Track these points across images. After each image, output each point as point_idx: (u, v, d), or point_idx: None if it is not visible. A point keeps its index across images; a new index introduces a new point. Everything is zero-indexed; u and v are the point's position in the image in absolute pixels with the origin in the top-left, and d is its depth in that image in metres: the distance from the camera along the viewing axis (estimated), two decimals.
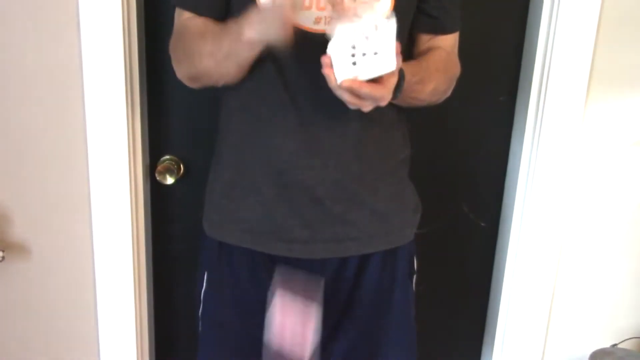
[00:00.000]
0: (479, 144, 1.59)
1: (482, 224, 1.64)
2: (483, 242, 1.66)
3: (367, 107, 0.92)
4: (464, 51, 1.21)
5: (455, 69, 1.17)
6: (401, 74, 0.95)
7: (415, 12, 1.12)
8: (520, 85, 1.54)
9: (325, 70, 0.88)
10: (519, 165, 1.53)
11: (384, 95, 0.90)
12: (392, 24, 0.87)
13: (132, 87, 1.38)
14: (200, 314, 1.24)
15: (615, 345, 1.61)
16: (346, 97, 0.90)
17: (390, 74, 0.89)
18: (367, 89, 0.88)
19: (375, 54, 0.87)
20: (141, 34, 1.40)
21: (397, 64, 0.89)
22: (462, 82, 1.19)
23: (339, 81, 0.87)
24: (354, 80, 0.87)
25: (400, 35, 0.91)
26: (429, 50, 1.15)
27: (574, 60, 1.42)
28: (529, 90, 1.47)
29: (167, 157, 1.50)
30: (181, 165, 1.50)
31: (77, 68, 1.33)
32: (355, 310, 1.18)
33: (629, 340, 1.63)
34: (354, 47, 0.87)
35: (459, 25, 1.18)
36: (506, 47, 1.53)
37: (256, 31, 0.94)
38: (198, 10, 1.08)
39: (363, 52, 0.87)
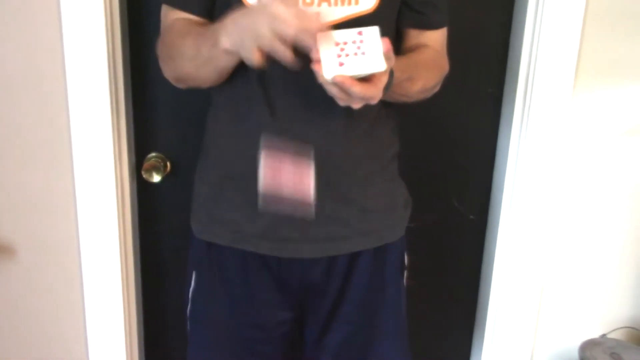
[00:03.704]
0: (466, 136, 1.59)
1: (471, 217, 1.64)
2: (472, 234, 1.66)
3: (356, 105, 0.91)
4: (451, 43, 1.20)
5: (444, 67, 1.17)
6: (390, 71, 0.94)
7: (401, 7, 1.11)
8: (508, 77, 1.53)
9: (314, 66, 0.87)
10: (507, 157, 1.53)
11: (375, 95, 0.89)
12: (376, 27, 0.87)
13: (116, 83, 1.36)
14: (188, 313, 1.23)
15: (605, 335, 1.61)
16: (336, 93, 0.89)
17: (382, 73, 0.88)
18: (357, 88, 0.87)
19: (362, 54, 0.86)
20: (124, 28, 1.38)
21: (389, 64, 0.88)
22: (449, 75, 1.18)
23: (327, 78, 0.86)
24: (345, 77, 0.86)
25: (387, 31, 0.90)
26: (417, 46, 1.14)
27: (561, 52, 1.42)
28: (516, 82, 1.47)
29: (154, 154, 1.49)
30: (168, 163, 1.49)
31: (59, 64, 1.32)
32: (347, 307, 1.18)
33: (618, 330, 1.64)
34: (341, 48, 0.86)
35: (446, 21, 1.17)
36: (493, 38, 1.52)
37: (231, 42, 0.91)
38: (183, 7, 1.06)
39: (350, 52, 0.86)
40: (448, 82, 1.18)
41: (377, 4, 1.02)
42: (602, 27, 1.42)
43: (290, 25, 0.84)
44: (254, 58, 0.88)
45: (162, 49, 1.08)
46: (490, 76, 1.54)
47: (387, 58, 0.87)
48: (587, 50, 1.43)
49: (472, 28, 1.49)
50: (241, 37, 0.89)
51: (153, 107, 1.47)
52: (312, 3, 1.00)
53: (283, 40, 0.85)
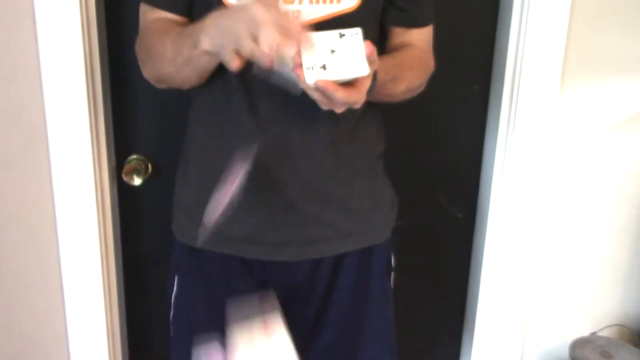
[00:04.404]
0: (453, 134, 1.57)
1: (459, 215, 1.63)
2: (460, 233, 1.65)
3: (339, 109, 0.89)
4: (436, 40, 1.18)
5: (430, 66, 1.15)
6: (373, 73, 0.92)
7: (385, 5, 1.09)
8: (494, 74, 1.52)
9: (296, 71, 0.85)
10: (494, 155, 1.52)
11: (358, 99, 0.88)
12: (358, 29, 0.86)
13: (93, 83, 1.34)
14: (171, 318, 1.21)
15: (595, 333, 1.61)
16: (318, 98, 0.87)
17: (365, 77, 0.87)
18: (340, 94, 0.85)
19: (345, 58, 0.84)
20: (102, 25, 1.36)
21: (372, 68, 0.87)
22: (435, 72, 1.17)
23: (308, 82, 0.84)
24: (327, 82, 0.84)
25: (370, 29, 0.89)
26: (402, 45, 1.12)
27: (548, 47, 1.40)
28: (503, 78, 1.46)
29: (134, 156, 1.46)
30: (149, 165, 1.47)
31: (34, 64, 1.29)
32: (333, 309, 1.17)
33: (608, 328, 1.64)
34: (322, 52, 0.84)
35: (432, 19, 1.15)
36: (478, 34, 1.51)
37: (211, 43, 0.89)
38: (162, 6, 1.04)
39: (332, 57, 0.84)
40: (434, 80, 1.16)
41: (359, 2, 1.00)
42: (589, 22, 1.41)
43: (269, 30, 0.81)
44: (231, 62, 0.86)
45: (140, 49, 1.06)
46: (477, 73, 1.53)
47: (370, 62, 0.86)
48: (574, 46, 1.42)
49: (457, 24, 1.48)
50: (220, 40, 0.87)
51: (133, 107, 1.44)
52: (292, 1, 0.98)
53: (262, 44, 0.82)
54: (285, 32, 0.82)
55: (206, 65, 0.97)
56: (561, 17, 1.38)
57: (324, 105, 0.89)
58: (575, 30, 1.41)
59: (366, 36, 0.86)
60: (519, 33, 1.41)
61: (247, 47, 0.83)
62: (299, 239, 1.09)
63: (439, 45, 1.19)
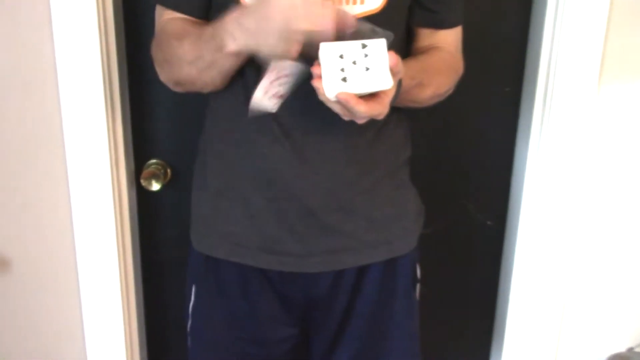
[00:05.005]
0: (483, 137, 1.54)
1: (488, 223, 1.59)
2: (490, 241, 1.62)
3: (361, 121, 0.87)
4: (465, 39, 1.15)
5: (458, 69, 1.12)
6: (398, 81, 0.90)
7: (412, 5, 1.06)
8: (526, 75, 1.48)
9: (315, 83, 0.83)
10: (525, 160, 1.48)
11: (381, 112, 0.85)
12: (382, 39, 0.83)
13: (111, 85, 1.32)
14: (189, 328, 1.20)
15: (632, 349, 1.57)
16: (339, 111, 0.85)
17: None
18: (362, 107, 0.83)
19: (367, 70, 0.81)
20: (119, 26, 1.35)
21: (396, 79, 0.84)
22: (464, 73, 1.14)
23: (329, 96, 0.82)
24: (349, 95, 0.82)
25: (395, 31, 0.86)
26: (430, 47, 1.09)
27: (584, 46, 1.35)
28: (536, 79, 1.41)
29: (153, 161, 1.45)
30: (168, 170, 1.45)
31: (50, 67, 1.28)
32: (355, 322, 1.15)
33: None
34: (343, 63, 0.81)
35: (461, 20, 1.11)
36: (510, 34, 1.47)
37: (241, 44, 0.88)
38: (178, 8, 1.03)
39: (353, 68, 0.81)
40: (463, 81, 1.13)
41: (384, 4, 0.98)
42: (629, 18, 1.35)
43: (305, 19, 0.81)
44: (291, 50, 0.84)
45: (157, 52, 1.04)
46: (508, 74, 1.49)
47: (393, 73, 0.83)
48: (613, 43, 1.36)
49: (487, 23, 1.44)
50: (255, 39, 0.85)
51: (152, 110, 1.43)
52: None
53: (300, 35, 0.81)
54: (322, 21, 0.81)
55: (231, 67, 0.96)
56: (599, 13, 1.33)
57: (346, 117, 0.87)
58: (614, 26, 1.35)
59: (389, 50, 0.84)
60: (553, 31, 1.36)
61: (291, 37, 0.82)
62: (320, 250, 1.07)
63: (468, 45, 1.16)
